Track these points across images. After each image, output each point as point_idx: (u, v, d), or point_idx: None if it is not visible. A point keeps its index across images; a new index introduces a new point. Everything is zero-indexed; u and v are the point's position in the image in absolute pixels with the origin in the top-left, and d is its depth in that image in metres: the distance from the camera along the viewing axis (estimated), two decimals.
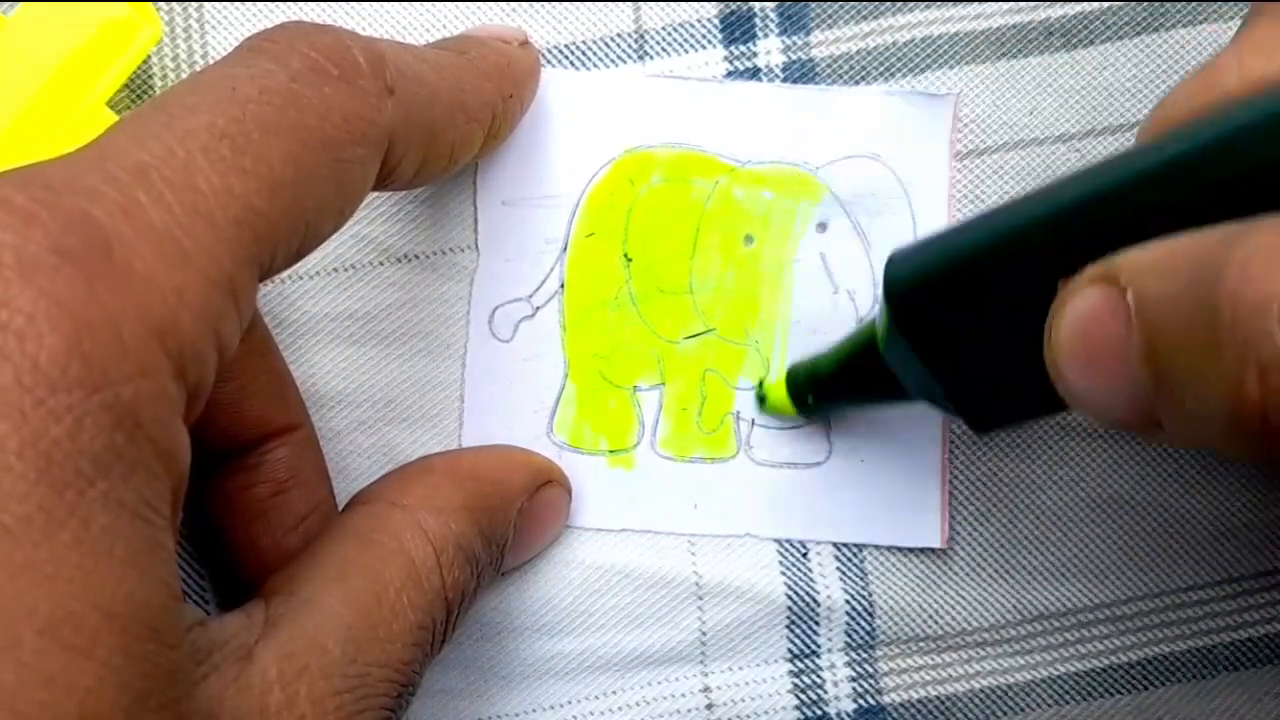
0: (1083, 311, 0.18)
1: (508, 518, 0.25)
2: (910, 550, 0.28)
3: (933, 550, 0.28)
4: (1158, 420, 0.17)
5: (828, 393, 0.27)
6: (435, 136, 0.23)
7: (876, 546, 0.28)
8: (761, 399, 0.28)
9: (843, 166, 0.28)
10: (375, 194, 0.28)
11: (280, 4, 0.29)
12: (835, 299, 0.28)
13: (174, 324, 0.17)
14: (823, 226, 0.28)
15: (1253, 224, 0.16)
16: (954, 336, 0.21)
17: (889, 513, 0.28)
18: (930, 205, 0.28)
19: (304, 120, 0.19)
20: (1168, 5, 0.28)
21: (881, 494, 0.28)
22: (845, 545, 0.28)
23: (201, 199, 0.17)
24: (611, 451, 0.28)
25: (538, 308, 0.28)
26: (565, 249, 0.28)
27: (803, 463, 0.28)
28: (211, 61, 0.29)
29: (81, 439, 0.15)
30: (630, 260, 0.28)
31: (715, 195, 0.28)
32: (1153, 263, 0.17)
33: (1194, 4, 0.28)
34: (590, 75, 0.28)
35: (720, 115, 0.28)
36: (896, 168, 0.28)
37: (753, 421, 0.28)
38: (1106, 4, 0.28)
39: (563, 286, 0.28)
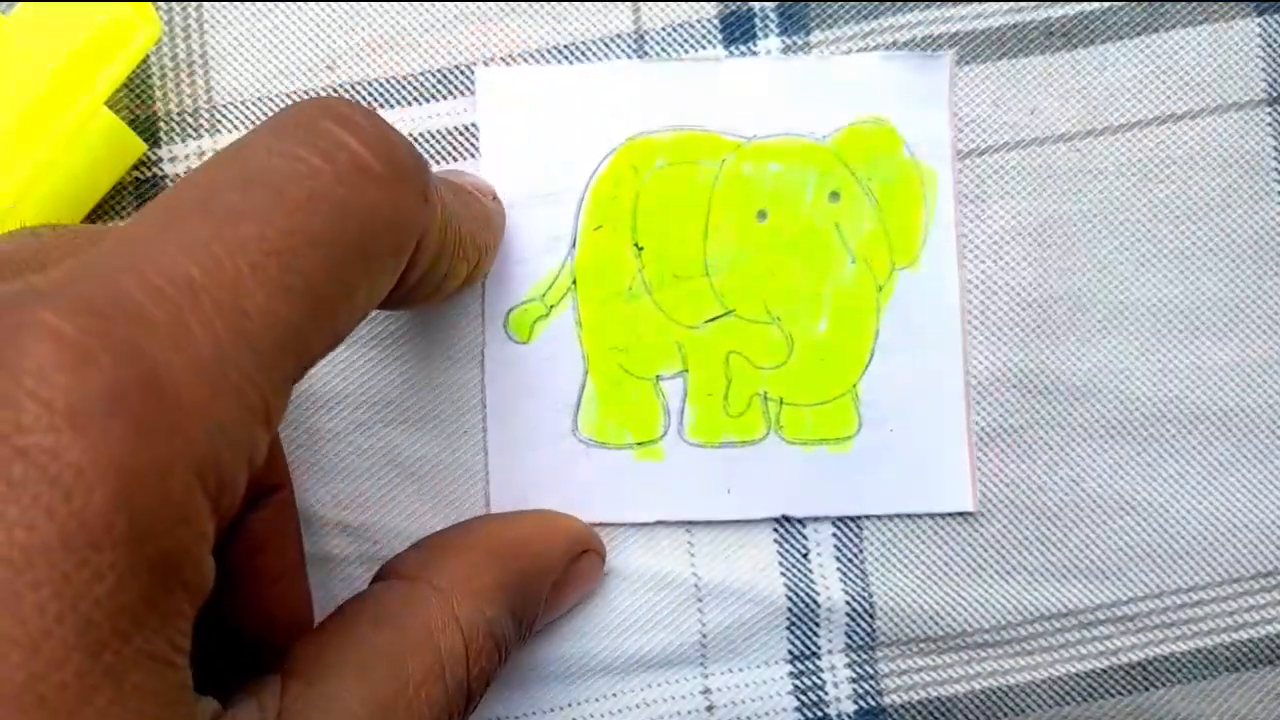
0: None
1: (542, 592, 0.25)
2: (910, 550, 0.28)
3: (932, 550, 0.28)
4: None
5: None
6: (440, 260, 0.22)
7: (880, 543, 0.28)
8: None
9: (849, 133, 0.28)
10: None
11: (280, 4, 0.29)
12: (853, 269, 0.28)
13: (215, 463, 0.16)
14: (835, 196, 0.28)
15: None
16: None
17: (920, 480, 0.28)
18: (937, 165, 0.28)
19: (348, 230, 0.18)
20: (1167, 5, 0.28)
21: (911, 462, 0.28)
22: (846, 545, 0.28)
23: (248, 323, 0.17)
24: (639, 444, 0.28)
25: (551, 306, 0.28)
26: (574, 244, 0.28)
27: (833, 437, 0.28)
28: (210, 60, 0.29)
29: (121, 597, 0.15)
30: (641, 249, 0.28)
31: (723, 174, 0.28)
32: None
33: (1194, 4, 0.28)
34: (584, 67, 0.28)
35: (720, 93, 0.28)
36: (902, 130, 0.28)
37: (780, 400, 0.28)
38: (1106, 4, 0.28)
39: (575, 282, 0.28)
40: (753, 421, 0.28)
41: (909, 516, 0.28)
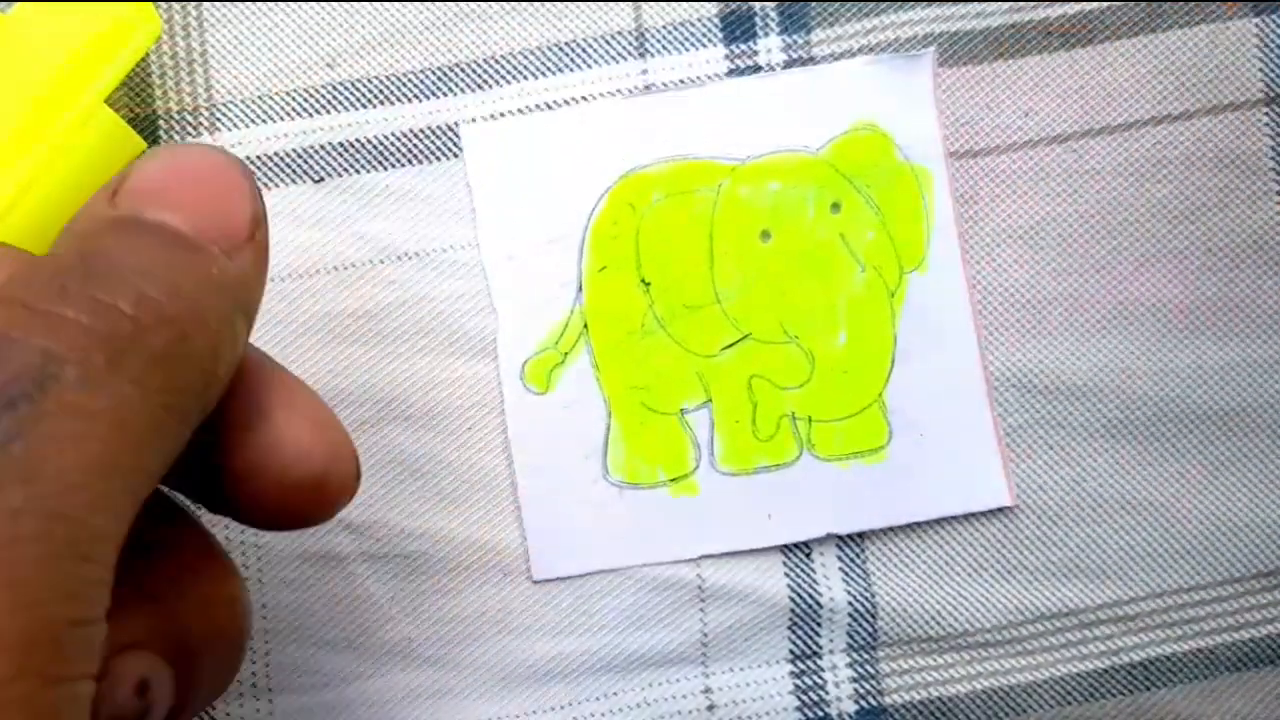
0: None
1: None
2: (912, 551, 0.28)
3: (934, 550, 0.28)
4: None
5: None
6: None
7: (883, 544, 0.28)
8: None
9: (842, 143, 0.28)
10: (372, 193, 0.28)
11: (279, 2, 0.29)
12: (863, 277, 0.28)
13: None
14: (836, 207, 0.28)
15: None
16: None
17: (956, 482, 0.28)
18: (930, 164, 0.28)
19: None
20: (1166, 5, 0.28)
21: (946, 465, 0.28)
22: (849, 546, 0.28)
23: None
24: (671, 480, 0.28)
25: (566, 353, 0.28)
26: (581, 288, 0.28)
27: (866, 449, 0.28)
28: (210, 59, 0.29)
29: None
30: (649, 284, 0.28)
31: (721, 199, 0.28)
32: None
33: (1192, 4, 0.28)
34: (568, 111, 0.28)
35: (708, 118, 0.28)
36: (893, 133, 0.28)
37: (809, 419, 0.28)
38: (1105, 4, 0.28)
39: (587, 326, 0.28)
40: (784, 443, 0.28)
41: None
